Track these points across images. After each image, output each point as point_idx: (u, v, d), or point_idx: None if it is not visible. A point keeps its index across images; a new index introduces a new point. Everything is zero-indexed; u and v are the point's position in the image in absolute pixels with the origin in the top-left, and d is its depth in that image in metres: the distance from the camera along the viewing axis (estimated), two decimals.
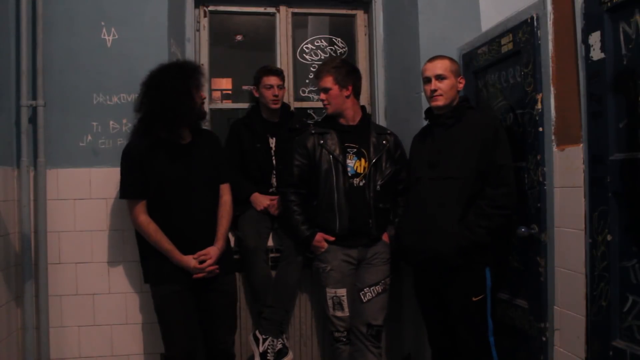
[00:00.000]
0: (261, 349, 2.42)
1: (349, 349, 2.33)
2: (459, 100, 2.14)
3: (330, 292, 2.29)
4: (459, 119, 2.08)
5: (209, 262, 2.10)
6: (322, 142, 2.35)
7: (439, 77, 2.09)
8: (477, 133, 2.00)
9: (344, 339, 2.30)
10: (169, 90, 2.04)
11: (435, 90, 2.09)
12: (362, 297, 2.31)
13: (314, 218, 2.35)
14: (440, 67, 2.10)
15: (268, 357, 2.40)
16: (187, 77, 2.09)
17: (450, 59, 2.15)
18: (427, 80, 2.12)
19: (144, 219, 2.10)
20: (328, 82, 2.33)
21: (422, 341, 2.56)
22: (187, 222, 2.11)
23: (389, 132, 2.49)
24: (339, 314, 2.29)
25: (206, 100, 2.92)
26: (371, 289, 2.31)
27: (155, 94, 2.05)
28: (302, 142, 2.39)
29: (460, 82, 2.13)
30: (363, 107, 2.47)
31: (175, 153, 2.13)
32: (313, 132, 2.40)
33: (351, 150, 2.35)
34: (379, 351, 2.35)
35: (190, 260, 2.08)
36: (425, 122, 2.27)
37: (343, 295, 2.28)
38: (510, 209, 1.96)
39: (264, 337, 2.44)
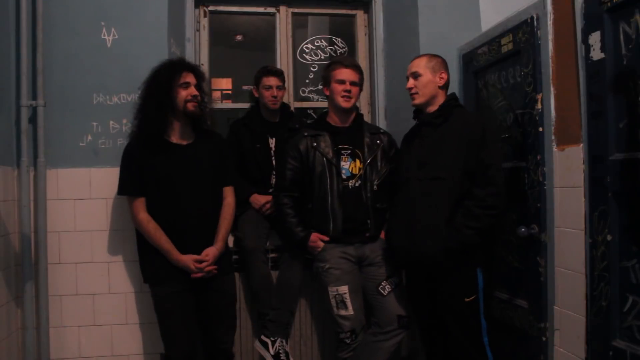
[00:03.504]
0: (272, 351, 2.41)
1: (355, 350, 2.27)
2: (447, 98, 2.12)
3: (332, 290, 2.27)
4: (447, 118, 2.06)
5: (207, 262, 2.10)
6: (315, 144, 2.33)
7: (414, 75, 2.11)
8: (464, 132, 1.99)
9: (348, 341, 2.26)
10: (149, 84, 2.11)
11: (411, 88, 2.11)
12: (382, 291, 2.27)
13: (309, 221, 2.34)
14: (415, 65, 2.12)
15: (282, 358, 2.40)
16: (170, 71, 2.11)
17: (431, 55, 2.14)
18: (407, 79, 2.15)
19: (143, 216, 2.10)
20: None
21: (419, 343, 2.56)
22: (184, 223, 2.11)
23: (382, 131, 2.49)
24: (342, 312, 2.25)
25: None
26: (388, 281, 2.28)
27: (143, 88, 2.14)
28: (294, 145, 2.37)
29: (441, 78, 2.10)
30: (356, 107, 2.46)
31: (176, 153, 2.14)
32: (305, 134, 2.37)
33: (345, 152, 2.33)
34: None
35: (188, 260, 2.08)
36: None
37: (345, 293, 2.24)
38: (499, 208, 1.94)
39: (272, 339, 2.43)
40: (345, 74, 2.31)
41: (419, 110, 2.17)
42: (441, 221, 1.97)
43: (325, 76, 2.39)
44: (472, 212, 1.93)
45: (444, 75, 2.11)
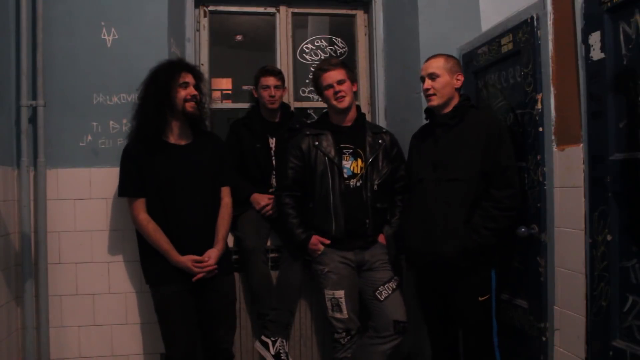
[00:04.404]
0: (273, 351, 2.41)
1: (350, 350, 2.29)
2: (461, 99, 2.11)
3: (328, 293, 2.28)
4: (462, 119, 2.06)
5: (208, 262, 2.10)
6: (317, 143, 2.33)
7: (432, 76, 2.08)
8: (480, 133, 1.99)
9: (343, 341, 2.27)
10: (148, 84, 2.12)
11: (428, 90, 2.09)
12: (379, 296, 2.27)
13: (310, 220, 2.34)
14: (433, 65, 2.09)
15: (282, 358, 2.40)
16: (168, 71, 2.11)
17: (447, 56, 2.13)
18: (422, 80, 2.13)
19: (143, 217, 2.10)
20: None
21: (421, 341, 2.56)
22: (183, 223, 2.11)
23: (384, 130, 2.48)
24: (337, 315, 2.27)
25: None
26: (385, 286, 2.28)
27: (142, 89, 2.14)
28: (296, 144, 2.37)
29: (457, 80, 2.09)
30: (358, 107, 2.46)
31: (174, 154, 2.14)
32: (307, 133, 2.38)
33: (347, 151, 2.33)
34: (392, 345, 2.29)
35: (187, 261, 2.08)
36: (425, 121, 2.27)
37: (341, 297, 2.26)
38: (516, 209, 1.95)
39: (273, 339, 2.44)
40: (329, 77, 2.31)
41: (430, 111, 2.16)
42: (459, 222, 1.97)
43: (316, 87, 2.41)
44: (490, 214, 1.93)
45: (461, 77, 2.10)
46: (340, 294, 2.26)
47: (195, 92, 2.14)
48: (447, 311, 2.11)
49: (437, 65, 2.08)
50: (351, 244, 2.30)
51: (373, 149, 2.35)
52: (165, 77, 2.10)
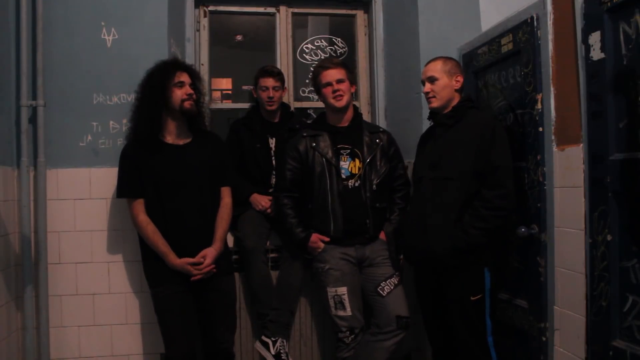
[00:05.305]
0: (273, 351, 2.42)
1: (354, 350, 2.28)
2: (461, 99, 2.13)
3: (331, 291, 2.27)
4: (459, 119, 2.08)
5: (205, 263, 2.10)
6: (314, 144, 2.33)
7: (430, 79, 2.11)
8: (474, 133, 2.00)
9: (347, 340, 2.26)
10: (144, 85, 2.13)
11: (428, 93, 2.12)
12: (381, 291, 2.27)
13: (309, 221, 2.34)
14: (431, 69, 2.12)
15: (282, 358, 2.40)
16: (163, 72, 2.12)
17: (445, 59, 2.14)
18: (423, 83, 2.15)
19: (142, 218, 2.10)
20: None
21: (422, 341, 2.56)
22: (182, 223, 2.10)
23: (381, 129, 2.49)
24: (341, 313, 2.26)
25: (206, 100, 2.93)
26: (387, 282, 2.28)
27: (138, 90, 2.16)
28: (294, 146, 2.38)
29: (457, 81, 2.11)
30: (355, 107, 2.47)
31: (172, 154, 2.13)
32: (305, 134, 2.38)
33: (344, 152, 2.33)
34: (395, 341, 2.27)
35: (184, 264, 2.08)
36: (428, 122, 2.27)
37: (344, 294, 2.25)
38: (507, 210, 1.95)
39: (273, 339, 2.44)
40: (329, 75, 2.31)
41: (434, 113, 2.18)
42: (450, 221, 1.99)
43: (315, 85, 2.41)
44: (479, 213, 1.94)
45: (460, 79, 2.12)
46: (342, 290, 2.25)
47: (191, 91, 2.14)
48: (443, 309, 2.11)
49: (435, 69, 2.11)
50: (352, 240, 2.30)
51: (370, 148, 2.35)
52: (160, 77, 2.11)
